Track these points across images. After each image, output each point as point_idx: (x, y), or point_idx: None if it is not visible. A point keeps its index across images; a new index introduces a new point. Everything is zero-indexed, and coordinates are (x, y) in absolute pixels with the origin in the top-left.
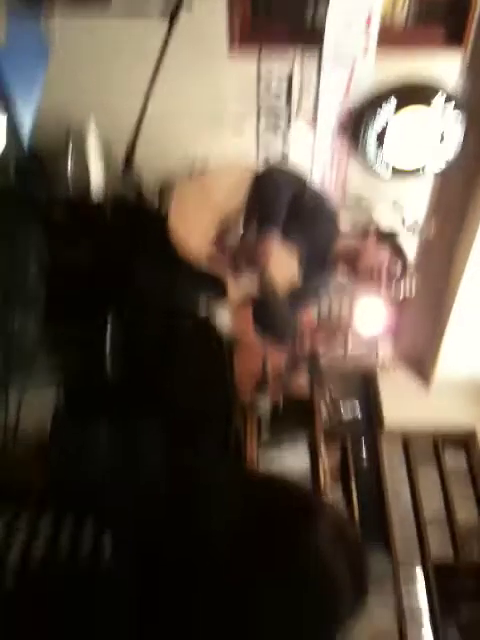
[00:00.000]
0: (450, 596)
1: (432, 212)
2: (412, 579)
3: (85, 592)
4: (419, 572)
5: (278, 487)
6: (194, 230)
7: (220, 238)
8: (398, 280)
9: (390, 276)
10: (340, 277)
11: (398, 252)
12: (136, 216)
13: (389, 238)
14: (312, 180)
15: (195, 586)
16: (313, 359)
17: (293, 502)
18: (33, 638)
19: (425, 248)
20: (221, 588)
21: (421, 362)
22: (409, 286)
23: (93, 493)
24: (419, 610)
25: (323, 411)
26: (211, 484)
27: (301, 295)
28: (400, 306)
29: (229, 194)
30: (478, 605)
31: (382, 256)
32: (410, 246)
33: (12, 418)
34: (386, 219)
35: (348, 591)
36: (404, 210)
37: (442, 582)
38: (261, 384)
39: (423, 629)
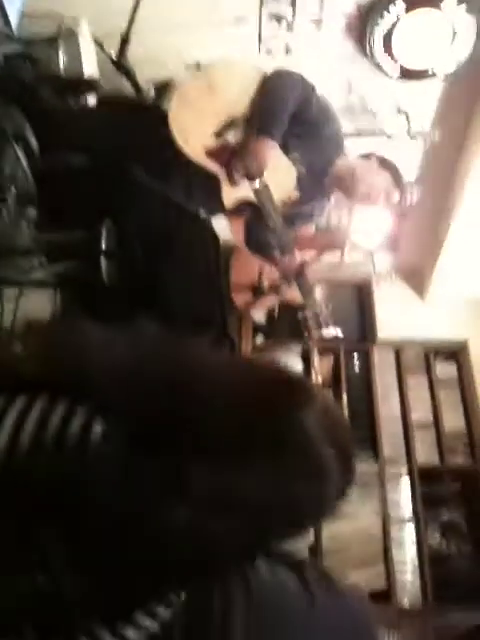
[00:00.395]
0: (433, 498)
1: (438, 119)
2: (398, 481)
3: (72, 479)
4: (405, 475)
5: (270, 369)
6: (194, 130)
7: (221, 141)
8: (395, 205)
9: (387, 203)
10: (337, 197)
11: (398, 181)
12: (133, 114)
13: (390, 167)
14: (317, 85)
15: (184, 462)
16: (300, 273)
17: (283, 382)
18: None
19: (429, 157)
20: (210, 460)
21: (418, 274)
22: (409, 200)
23: (88, 379)
24: (403, 510)
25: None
26: (205, 362)
27: (296, 213)
28: (400, 217)
29: (234, 95)
30: (459, 507)
31: (381, 183)
32: (414, 155)
33: (8, 320)
34: (391, 125)
35: (334, 473)
36: (410, 116)
37: (426, 485)
38: (256, 291)
39: (406, 527)
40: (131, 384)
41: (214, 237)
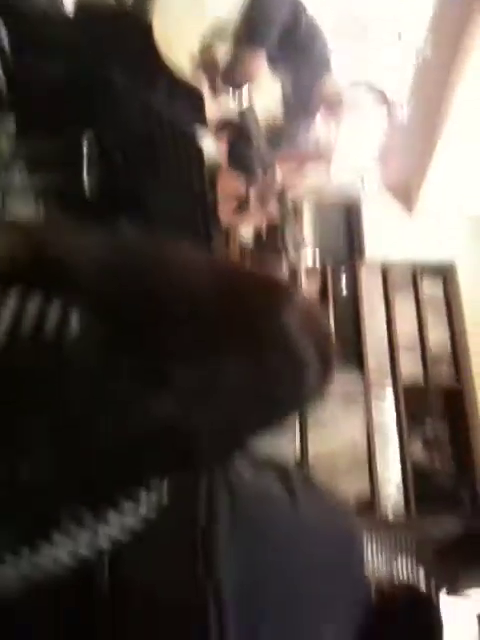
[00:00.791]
0: (417, 414)
1: (431, 32)
2: (382, 398)
3: (49, 371)
4: (389, 392)
5: (252, 270)
6: (179, 39)
7: (206, 51)
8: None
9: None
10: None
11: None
12: (114, 22)
13: (378, 93)
14: (308, 5)
15: (163, 355)
16: (282, 193)
17: (265, 280)
18: None
19: (421, 71)
20: (190, 353)
21: (407, 189)
22: (399, 118)
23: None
24: (387, 425)
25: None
26: (186, 257)
27: (279, 135)
28: (390, 133)
29: (222, 4)
30: (442, 422)
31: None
32: (406, 69)
33: None
34: (382, 41)
35: (313, 368)
36: (401, 33)
37: (410, 401)
38: (242, 208)
39: (390, 442)
40: (109, 274)
41: (197, 147)
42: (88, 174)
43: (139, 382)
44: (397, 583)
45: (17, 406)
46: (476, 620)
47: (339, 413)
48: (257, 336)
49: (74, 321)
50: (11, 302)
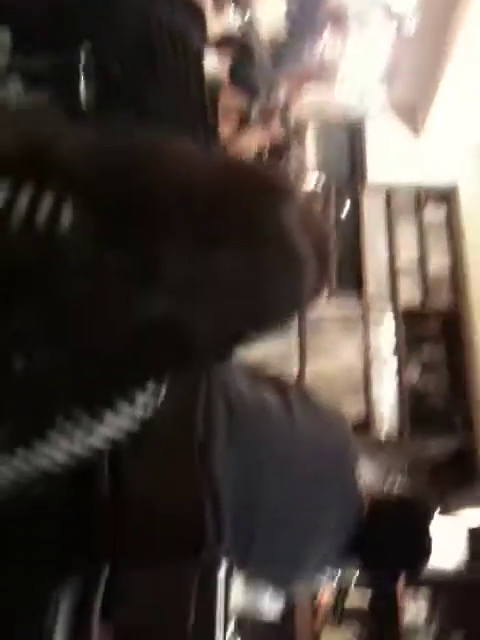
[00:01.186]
0: (415, 338)
1: None
2: (381, 321)
3: (40, 264)
4: (388, 317)
5: (252, 163)
6: None
7: None
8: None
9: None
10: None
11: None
12: None
13: (385, 6)
14: None
15: (156, 249)
16: (285, 111)
17: (265, 174)
18: None
19: None
20: (183, 246)
21: (413, 110)
22: (406, 30)
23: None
24: (385, 348)
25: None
26: (182, 148)
27: (283, 51)
28: (397, 49)
29: None
30: (439, 346)
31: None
32: None
33: None
34: None
35: (309, 265)
36: None
37: (409, 326)
38: (244, 126)
39: (387, 364)
40: (100, 165)
41: (196, 53)
42: (85, 88)
43: (131, 276)
44: (389, 493)
45: (7, 296)
46: (465, 537)
47: (337, 337)
48: (254, 232)
49: (66, 214)
50: (0, 194)
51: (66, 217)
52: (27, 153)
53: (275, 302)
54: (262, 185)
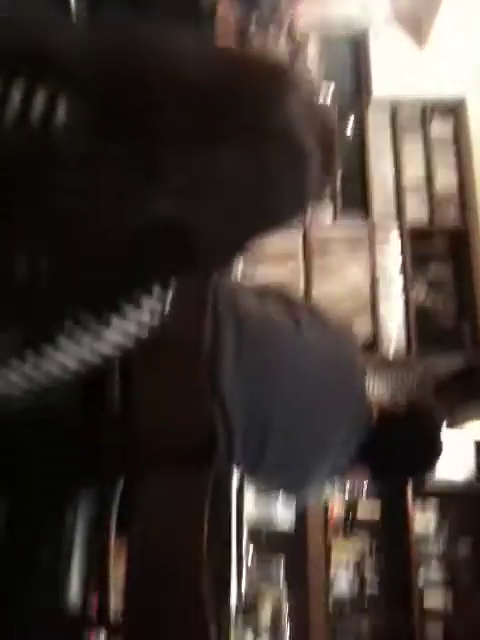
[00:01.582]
0: (422, 256)
1: None
2: (387, 240)
3: (34, 159)
4: (394, 235)
5: (257, 54)
6: None
7: None
8: None
9: None
10: None
11: None
12: None
13: None
14: None
15: (156, 147)
16: (291, 26)
17: (269, 65)
18: None
19: None
20: (186, 143)
21: (418, 21)
22: None
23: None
24: (391, 267)
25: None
26: (182, 41)
27: None
28: None
29: None
30: (446, 265)
31: None
32: None
33: None
34: None
35: (314, 160)
36: None
37: (416, 244)
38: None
39: (393, 283)
40: (97, 57)
41: None
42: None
43: (128, 173)
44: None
45: (2, 195)
46: (473, 448)
47: (343, 259)
48: (257, 124)
49: (61, 109)
50: None
51: (61, 113)
52: (20, 49)
53: (280, 199)
54: (265, 75)
